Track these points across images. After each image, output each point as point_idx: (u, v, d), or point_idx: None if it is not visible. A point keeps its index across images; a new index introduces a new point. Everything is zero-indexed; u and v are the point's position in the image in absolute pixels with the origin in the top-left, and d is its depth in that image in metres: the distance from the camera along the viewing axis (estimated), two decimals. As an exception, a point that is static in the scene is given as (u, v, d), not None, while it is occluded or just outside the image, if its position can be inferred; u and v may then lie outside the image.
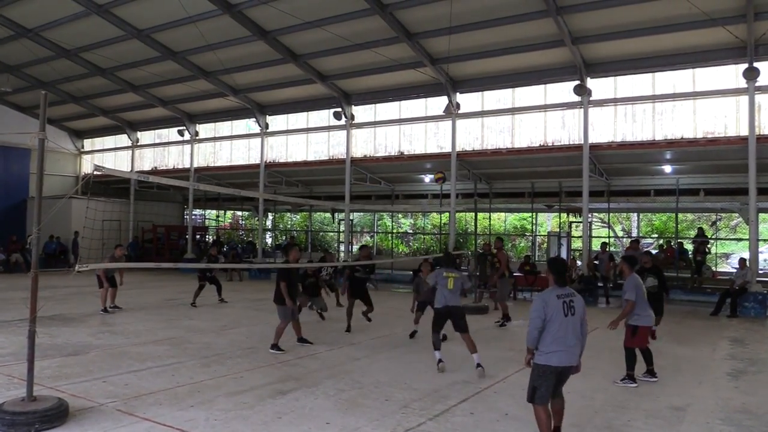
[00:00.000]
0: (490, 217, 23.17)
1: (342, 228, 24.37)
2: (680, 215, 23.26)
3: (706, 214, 25.17)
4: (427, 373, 7.39)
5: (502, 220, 29.61)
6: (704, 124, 14.28)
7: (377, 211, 27.80)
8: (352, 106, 19.38)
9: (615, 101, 15.32)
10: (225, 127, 23.39)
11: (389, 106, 18.91)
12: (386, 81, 17.88)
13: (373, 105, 19.24)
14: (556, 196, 19.28)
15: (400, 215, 31.79)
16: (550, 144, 16.23)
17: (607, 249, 17.00)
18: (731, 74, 13.89)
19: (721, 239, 25.07)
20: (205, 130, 23.72)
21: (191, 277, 15.29)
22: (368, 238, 30.33)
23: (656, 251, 18.94)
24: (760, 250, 16.90)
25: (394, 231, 31.21)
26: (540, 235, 25.88)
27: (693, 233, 21.63)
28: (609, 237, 23.53)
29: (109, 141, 27.37)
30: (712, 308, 13.37)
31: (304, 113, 20.90)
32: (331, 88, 18.73)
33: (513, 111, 16.79)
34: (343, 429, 5.29)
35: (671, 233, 23.32)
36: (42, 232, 5.71)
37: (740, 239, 23.78)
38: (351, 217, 26.19)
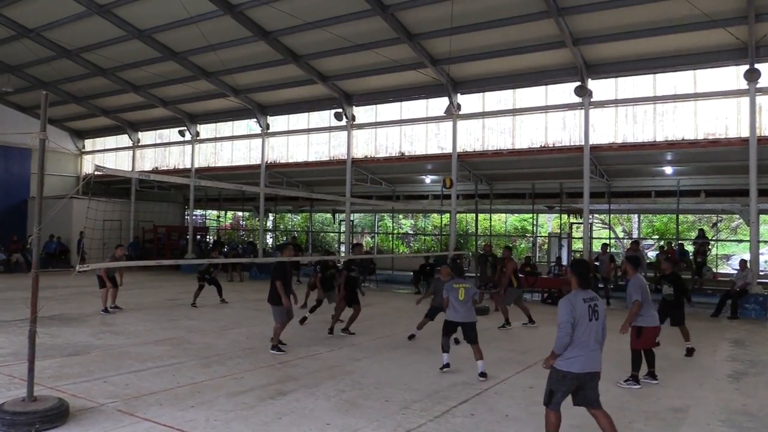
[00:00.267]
0: (490, 218, 23.20)
1: (343, 228, 24.37)
2: (681, 216, 23.22)
3: (707, 215, 25.16)
4: (427, 374, 7.39)
5: (502, 221, 29.64)
6: (705, 126, 14.26)
7: (378, 211, 27.80)
8: (353, 106, 19.36)
9: (616, 102, 15.30)
10: (226, 128, 23.39)
11: (390, 106, 18.90)
12: (387, 82, 17.87)
13: (374, 106, 19.22)
14: (556, 197, 19.25)
15: (400, 216, 31.79)
16: (550, 145, 16.20)
17: (608, 250, 16.96)
18: (732, 75, 13.87)
19: (722, 241, 25.10)
20: (206, 130, 23.73)
21: (191, 277, 15.29)
22: (369, 239, 30.35)
23: (656, 252, 18.91)
24: (760, 251, 16.91)
25: (395, 232, 31.21)
26: (541, 237, 25.90)
27: (694, 234, 21.63)
28: (610, 238, 23.59)
29: (110, 141, 27.37)
30: (712, 310, 13.35)
31: (305, 114, 20.88)
32: (332, 89, 18.72)
33: (514, 112, 16.78)
34: (344, 430, 5.29)
35: (672, 234, 23.33)
36: (42, 232, 5.71)
37: (741, 241, 23.79)
38: (351, 218, 26.17)
